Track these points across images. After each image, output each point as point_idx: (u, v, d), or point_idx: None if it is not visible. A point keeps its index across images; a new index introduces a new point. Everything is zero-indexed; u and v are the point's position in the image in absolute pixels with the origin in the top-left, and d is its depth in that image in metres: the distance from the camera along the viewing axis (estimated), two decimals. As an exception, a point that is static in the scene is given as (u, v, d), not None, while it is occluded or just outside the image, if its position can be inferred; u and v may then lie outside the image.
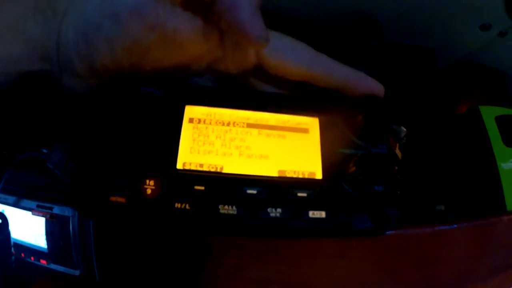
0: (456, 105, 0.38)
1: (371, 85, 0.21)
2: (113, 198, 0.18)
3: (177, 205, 0.18)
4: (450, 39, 0.34)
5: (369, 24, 0.30)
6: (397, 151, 0.35)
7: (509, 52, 0.36)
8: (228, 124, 0.20)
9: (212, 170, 0.19)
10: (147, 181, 0.18)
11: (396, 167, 0.23)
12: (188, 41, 0.19)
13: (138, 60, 0.19)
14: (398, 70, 0.33)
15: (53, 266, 0.25)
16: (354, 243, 0.28)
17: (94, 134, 0.20)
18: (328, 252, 0.28)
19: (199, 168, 0.19)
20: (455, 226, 0.33)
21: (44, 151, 0.22)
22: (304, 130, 0.21)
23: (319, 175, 0.20)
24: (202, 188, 0.18)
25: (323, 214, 0.19)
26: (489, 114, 0.35)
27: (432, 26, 0.32)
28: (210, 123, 0.20)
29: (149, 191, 0.18)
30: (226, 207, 0.18)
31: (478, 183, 0.34)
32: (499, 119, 0.35)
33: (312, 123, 0.21)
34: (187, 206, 0.18)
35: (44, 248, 0.25)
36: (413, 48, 0.34)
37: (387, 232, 0.26)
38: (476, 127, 0.35)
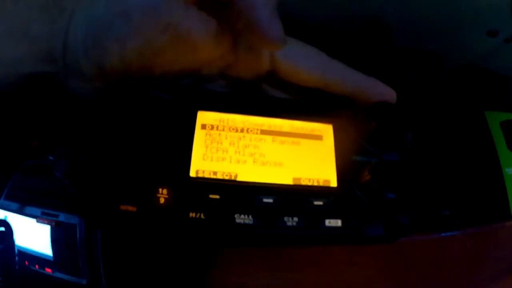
0: (462, 110, 0.38)
1: (384, 91, 0.21)
2: (123, 207, 0.18)
3: (192, 214, 0.18)
4: (457, 45, 0.34)
5: (379, 29, 0.30)
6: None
7: (515, 58, 0.36)
8: (242, 131, 0.20)
9: (226, 178, 0.19)
10: (160, 189, 0.18)
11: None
12: (201, 43, 0.18)
13: (148, 62, 0.18)
14: (405, 75, 0.33)
15: (58, 274, 0.25)
16: (361, 250, 0.28)
17: (103, 140, 0.20)
18: (335, 259, 0.28)
19: (212, 176, 0.19)
20: (460, 232, 0.33)
21: (51, 158, 0.22)
22: (318, 137, 0.20)
23: (334, 183, 0.20)
24: (217, 196, 0.18)
25: (339, 222, 0.19)
26: (494, 119, 0.35)
27: (440, 31, 0.32)
28: (223, 129, 0.20)
29: (162, 200, 0.18)
30: (242, 216, 0.18)
31: (483, 188, 0.34)
32: (504, 124, 0.35)
33: (326, 130, 0.21)
34: (202, 216, 0.18)
35: (49, 256, 0.25)
36: (420, 54, 0.34)
37: (403, 237, 0.26)
38: (481, 132, 0.35)
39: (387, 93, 0.21)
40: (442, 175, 0.36)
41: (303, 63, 0.20)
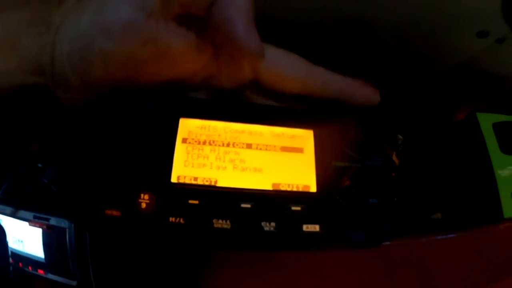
0: (454, 112, 0.38)
1: (367, 92, 0.21)
2: (108, 212, 0.18)
3: (172, 219, 0.18)
4: (448, 46, 0.34)
5: (367, 31, 0.30)
6: (394, 159, 0.35)
7: (507, 58, 0.36)
8: (223, 138, 0.20)
9: (207, 183, 0.19)
10: (142, 195, 0.19)
11: (393, 175, 0.23)
12: (182, 56, 0.19)
13: (132, 74, 0.19)
14: (396, 77, 0.33)
15: (50, 276, 0.25)
16: (351, 254, 0.28)
17: (89, 147, 0.20)
18: (324, 263, 0.28)
19: (193, 182, 0.19)
20: (452, 235, 0.33)
21: (39, 165, 0.23)
22: (299, 143, 0.21)
23: (313, 188, 0.20)
24: (197, 202, 0.18)
25: (317, 227, 0.19)
26: (487, 121, 0.35)
27: (430, 33, 0.32)
28: (205, 136, 0.20)
29: (143, 205, 0.18)
30: (220, 221, 0.18)
31: (475, 190, 0.34)
32: (496, 126, 0.35)
33: (306, 136, 0.21)
34: (182, 220, 0.18)
35: (41, 258, 0.25)
36: (411, 56, 0.34)
37: (385, 244, 0.26)
38: (473, 134, 0.35)
39: (371, 94, 0.21)
40: (434, 177, 0.36)
41: (286, 71, 0.20)
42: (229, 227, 0.18)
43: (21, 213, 0.26)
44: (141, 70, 0.19)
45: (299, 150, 0.21)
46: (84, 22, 0.17)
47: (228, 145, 0.20)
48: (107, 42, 0.17)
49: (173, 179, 0.19)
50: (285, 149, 0.20)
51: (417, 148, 0.35)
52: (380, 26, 0.31)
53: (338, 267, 0.28)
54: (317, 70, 0.21)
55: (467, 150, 0.35)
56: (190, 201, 0.18)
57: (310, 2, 0.28)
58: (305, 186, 0.20)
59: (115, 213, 0.18)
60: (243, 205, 0.19)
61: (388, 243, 0.26)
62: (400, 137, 0.33)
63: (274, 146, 0.20)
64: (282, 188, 0.20)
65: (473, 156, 0.35)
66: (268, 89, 0.21)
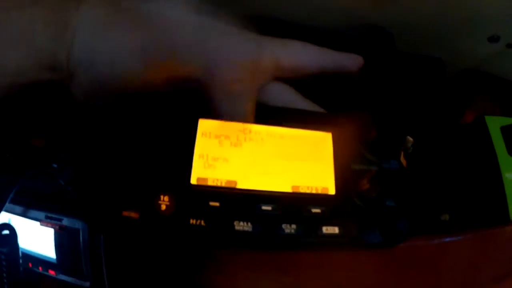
0: (463, 114, 0.38)
1: (355, 59, 0.25)
2: (125, 213, 0.18)
3: (192, 221, 0.18)
4: (459, 50, 0.34)
5: (381, 35, 0.30)
6: (402, 160, 0.35)
7: (517, 63, 0.36)
8: (242, 139, 0.20)
9: (226, 185, 0.19)
10: (161, 196, 0.18)
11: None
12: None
13: (151, 78, 0.19)
14: (408, 80, 0.33)
15: (62, 277, 0.25)
16: (361, 255, 0.28)
17: (107, 148, 0.20)
18: (335, 264, 0.28)
19: (213, 184, 0.19)
20: (460, 237, 0.33)
21: (54, 165, 0.22)
22: (318, 145, 0.21)
23: (332, 191, 0.20)
24: (217, 204, 0.18)
25: (336, 229, 0.19)
26: (495, 124, 0.35)
27: (441, 37, 0.32)
28: (224, 138, 0.20)
29: (163, 207, 0.18)
30: (241, 223, 0.18)
31: (482, 192, 0.35)
32: (504, 129, 0.35)
33: (325, 138, 0.21)
34: (202, 223, 0.18)
35: (52, 259, 0.25)
36: (423, 59, 0.34)
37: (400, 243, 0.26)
38: (481, 136, 0.35)
39: (357, 59, 0.25)
40: (442, 179, 0.36)
41: (303, 59, 0.23)
42: (250, 229, 0.18)
43: (32, 212, 0.25)
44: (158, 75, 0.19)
45: (318, 153, 0.21)
46: (118, 44, 0.18)
47: (247, 147, 0.20)
48: (138, 66, 0.18)
49: (193, 181, 0.19)
50: (304, 151, 0.20)
51: (426, 150, 0.35)
52: (393, 31, 0.31)
53: (347, 268, 0.28)
54: (324, 52, 0.24)
55: (475, 153, 0.35)
56: (211, 203, 0.18)
57: (324, 5, 0.28)
58: (324, 188, 0.20)
59: (133, 214, 0.18)
60: (263, 207, 0.19)
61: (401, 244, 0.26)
62: (411, 139, 0.33)
63: (294, 149, 0.20)
64: (302, 191, 0.20)
65: (481, 158, 0.35)
66: (289, 77, 0.23)
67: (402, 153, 0.36)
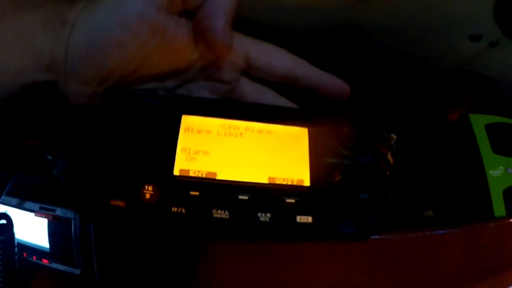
0: (447, 112, 0.39)
1: (340, 86, 0.24)
2: (113, 202, 0.20)
3: (174, 209, 0.19)
4: (440, 50, 0.35)
5: (360, 34, 0.31)
6: (389, 157, 0.36)
7: (501, 61, 0.37)
8: (222, 134, 0.21)
9: (207, 176, 0.20)
10: (146, 186, 0.20)
11: (388, 173, 0.24)
12: (183, 46, 0.21)
13: (141, 65, 0.20)
14: (389, 79, 0.34)
15: (54, 265, 0.26)
16: (342, 248, 0.29)
17: (97, 142, 0.21)
18: (316, 254, 0.28)
19: (194, 175, 0.20)
20: (443, 231, 0.33)
21: (49, 157, 0.24)
22: (294, 140, 0.22)
23: (307, 183, 0.21)
24: (197, 193, 0.20)
25: (309, 219, 0.20)
26: (479, 122, 0.36)
27: (422, 37, 0.33)
28: (205, 132, 0.21)
29: (147, 196, 0.20)
30: (219, 211, 0.19)
31: (467, 189, 0.35)
32: (488, 127, 0.35)
33: (301, 133, 0.22)
34: (183, 211, 0.19)
35: (46, 248, 0.26)
36: (404, 58, 0.35)
37: (375, 237, 0.27)
38: (466, 134, 0.35)
39: (343, 87, 0.24)
40: (427, 176, 0.37)
41: (275, 60, 0.23)
42: (227, 217, 0.19)
43: (27, 204, 0.27)
44: (149, 60, 0.20)
45: (295, 147, 0.22)
46: (101, 17, 0.19)
47: (227, 141, 0.21)
48: (124, 32, 0.19)
49: (176, 172, 0.20)
50: (281, 145, 0.22)
51: (410, 148, 0.35)
52: (373, 30, 0.32)
53: (329, 259, 0.29)
54: (301, 61, 0.24)
55: (459, 150, 0.36)
56: (191, 193, 0.20)
57: (304, 7, 0.29)
58: (299, 180, 0.21)
59: (120, 203, 0.20)
60: (240, 197, 0.20)
61: (378, 237, 0.27)
62: (394, 136, 0.34)
63: (271, 143, 0.21)
64: (278, 182, 0.21)
65: (466, 156, 0.35)
66: (257, 77, 0.24)
67: (389, 151, 0.37)
